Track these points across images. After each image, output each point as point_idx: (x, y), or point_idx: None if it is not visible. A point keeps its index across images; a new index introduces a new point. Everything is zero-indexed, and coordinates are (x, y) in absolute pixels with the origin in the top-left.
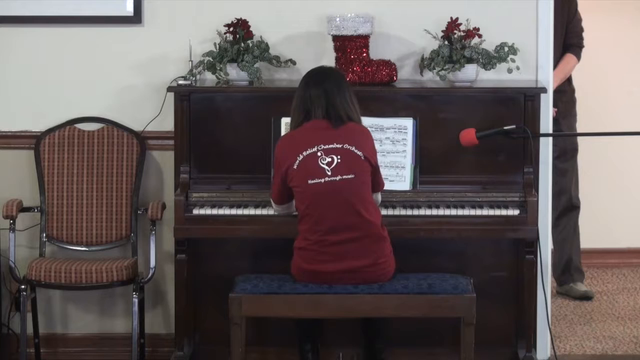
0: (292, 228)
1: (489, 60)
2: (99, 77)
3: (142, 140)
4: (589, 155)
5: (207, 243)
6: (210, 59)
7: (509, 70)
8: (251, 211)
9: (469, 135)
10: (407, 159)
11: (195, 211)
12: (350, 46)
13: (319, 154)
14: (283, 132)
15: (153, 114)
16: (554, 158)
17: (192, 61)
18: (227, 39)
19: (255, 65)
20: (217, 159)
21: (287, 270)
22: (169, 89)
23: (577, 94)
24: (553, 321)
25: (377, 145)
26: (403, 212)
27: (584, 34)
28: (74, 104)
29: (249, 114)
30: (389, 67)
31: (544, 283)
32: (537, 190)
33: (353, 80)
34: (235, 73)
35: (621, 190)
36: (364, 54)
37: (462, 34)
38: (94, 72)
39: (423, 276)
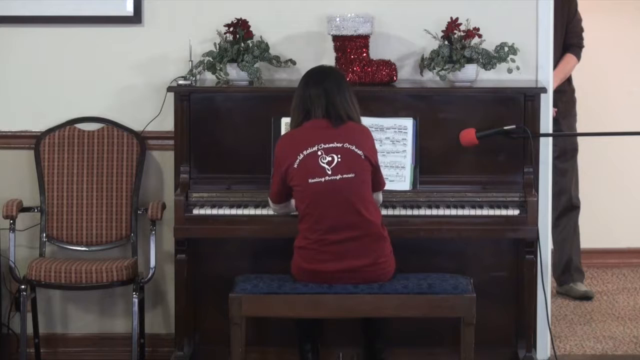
0: (292, 228)
1: (489, 60)
2: (99, 77)
3: (142, 140)
4: (589, 155)
5: (207, 243)
6: (210, 59)
7: (509, 70)
8: (251, 211)
9: (469, 135)
10: (407, 159)
11: (195, 211)
12: (350, 46)
13: (319, 153)
14: (283, 132)
15: (153, 114)
16: (554, 158)
17: (192, 61)
18: (227, 39)
19: (255, 65)
20: (217, 159)
21: (287, 270)
22: (169, 89)
23: (577, 94)
24: (553, 321)
25: (377, 145)
26: (403, 212)
27: (584, 34)
28: (74, 104)
29: (249, 114)
30: (389, 67)
31: (544, 283)
32: (537, 190)
33: (353, 80)
34: (235, 73)
35: (621, 190)
36: (364, 54)
37: (462, 34)
38: (94, 72)
39: (423, 276)
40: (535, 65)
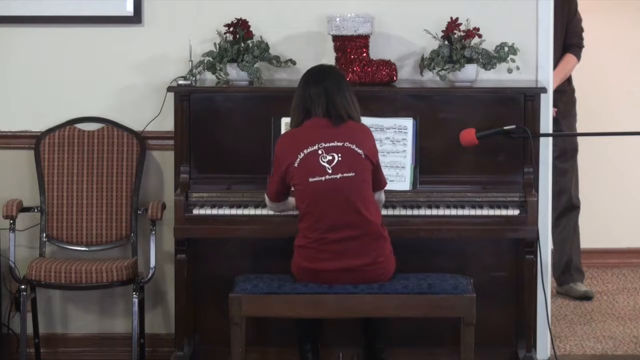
0: (292, 228)
1: (489, 60)
2: (99, 77)
3: (142, 140)
4: (589, 155)
5: (207, 243)
6: (210, 59)
7: (509, 70)
8: (251, 211)
9: (469, 135)
10: (407, 159)
11: (195, 211)
12: (350, 46)
13: (319, 152)
14: (283, 132)
15: (153, 114)
16: (554, 158)
17: (192, 61)
18: (227, 39)
19: (255, 65)
20: (217, 159)
21: (287, 270)
22: (169, 89)
23: (577, 94)
24: (553, 321)
25: (377, 145)
26: (403, 212)
27: (584, 34)
28: (74, 104)
29: (249, 114)
30: (389, 67)
31: (544, 283)
32: (537, 190)
33: (353, 80)
34: (235, 73)
35: (621, 190)
36: (364, 54)
37: (462, 34)
38: (94, 72)
39: (423, 276)
40: (535, 65)
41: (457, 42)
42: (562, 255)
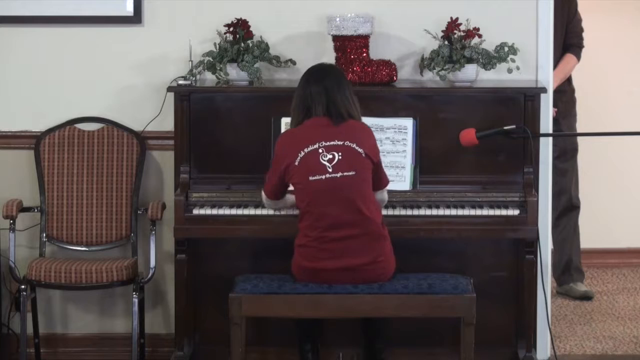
0: (292, 228)
1: (489, 60)
2: (99, 77)
3: (142, 140)
4: (589, 155)
5: (207, 243)
6: (210, 59)
7: (509, 70)
8: (251, 211)
9: (469, 135)
10: (407, 159)
11: (195, 211)
12: (350, 46)
13: (320, 150)
14: (283, 132)
15: (153, 114)
16: (554, 158)
17: (192, 61)
18: (227, 39)
19: (255, 65)
20: (217, 159)
21: (287, 270)
22: (169, 89)
23: (577, 94)
24: (553, 321)
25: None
26: (403, 212)
27: (584, 34)
28: (74, 104)
29: (249, 114)
30: (389, 67)
31: (544, 283)
32: (537, 190)
33: (353, 80)
34: (235, 73)
35: (621, 190)
36: (364, 54)
37: (462, 34)
38: (94, 72)
39: (423, 276)
40: (535, 65)
41: (457, 42)
42: (562, 255)
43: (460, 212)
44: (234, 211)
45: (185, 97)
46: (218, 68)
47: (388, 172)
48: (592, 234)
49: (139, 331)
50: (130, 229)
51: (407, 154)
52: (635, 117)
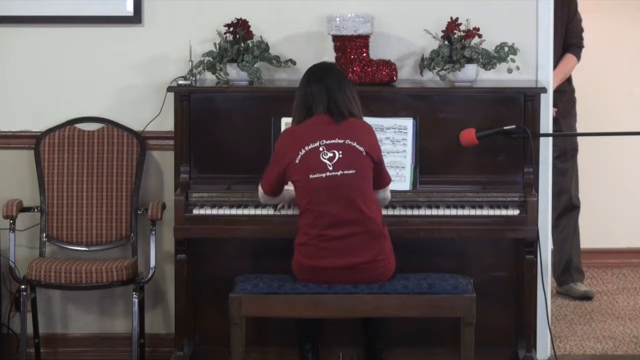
0: (292, 228)
1: (489, 60)
2: (99, 77)
3: (142, 140)
4: (589, 155)
5: (207, 243)
6: (210, 59)
7: (509, 70)
8: (251, 211)
9: (469, 135)
10: (407, 159)
11: (195, 211)
12: (350, 46)
13: (320, 148)
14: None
15: (153, 114)
16: (554, 158)
17: (192, 61)
18: (227, 39)
19: (255, 65)
20: (217, 159)
21: (287, 270)
22: (169, 89)
23: (577, 94)
24: (553, 321)
25: None
26: (403, 212)
27: (584, 34)
28: (74, 104)
29: (249, 114)
30: (389, 67)
31: (544, 283)
32: (537, 190)
33: (353, 80)
34: (235, 73)
35: (621, 190)
36: (364, 54)
37: (462, 34)
38: (94, 72)
39: (423, 276)
40: (535, 65)
41: (457, 42)
42: (562, 255)
43: (460, 212)
44: (234, 211)
45: (185, 97)
46: (218, 68)
47: (388, 172)
48: (592, 234)
49: (139, 331)
50: (130, 229)
51: (407, 154)
52: (635, 117)
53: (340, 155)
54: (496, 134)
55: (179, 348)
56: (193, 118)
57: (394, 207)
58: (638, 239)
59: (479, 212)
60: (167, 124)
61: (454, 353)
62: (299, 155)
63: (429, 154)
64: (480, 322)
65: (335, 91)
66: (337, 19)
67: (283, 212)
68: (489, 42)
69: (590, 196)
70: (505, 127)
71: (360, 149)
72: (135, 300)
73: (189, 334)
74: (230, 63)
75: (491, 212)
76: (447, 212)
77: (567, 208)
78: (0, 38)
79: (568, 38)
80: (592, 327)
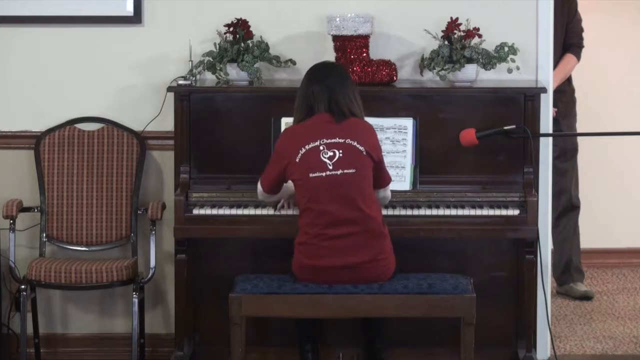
0: (292, 228)
1: (489, 60)
2: (99, 77)
3: (142, 140)
4: (589, 155)
5: (207, 243)
6: (210, 59)
7: (509, 70)
8: (251, 211)
9: (469, 135)
10: (407, 159)
11: (195, 211)
12: (350, 46)
13: (321, 147)
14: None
15: (153, 114)
16: (554, 158)
17: (192, 61)
18: (227, 39)
19: (255, 65)
20: (217, 159)
21: (287, 270)
22: (169, 89)
23: (577, 94)
24: (553, 321)
25: None
26: (403, 212)
27: (584, 34)
28: (74, 104)
29: (249, 114)
30: (389, 67)
31: (544, 283)
32: (537, 190)
33: (353, 80)
34: (235, 73)
35: (621, 190)
36: (364, 54)
37: (462, 34)
38: (94, 72)
39: (423, 276)
40: (535, 65)
41: (457, 42)
42: (562, 255)
43: (460, 212)
44: (234, 211)
45: (185, 97)
46: (218, 68)
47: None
48: (592, 234)
49: (139, 331)
50: (130, 229)
51: (407, 154)
52: (635, 117)
53: (341, 155)
54: (496, 134)
55: (179, 348)
56: (193, 118)
57: (394, 207)
58: (638, 239)
59: (479, 212)
60: (167, 124)
61: (454, 353)
62: (299, 154)
63: (429, 154)
64: (480, 322)
65: (337, 91)
66: (337, 19)
67: (283, 212)
68: (489, 42)
69: (590, 196)
70: (505, 127)
71: (361, 148)
72: (135, 300)
73: (189, 334)
74: (230, 63)
75: (491, 212)
76: (447, 212)
77: (567, 208)
78: (0, 38)
79: (568, 38)
80: (592, 327)
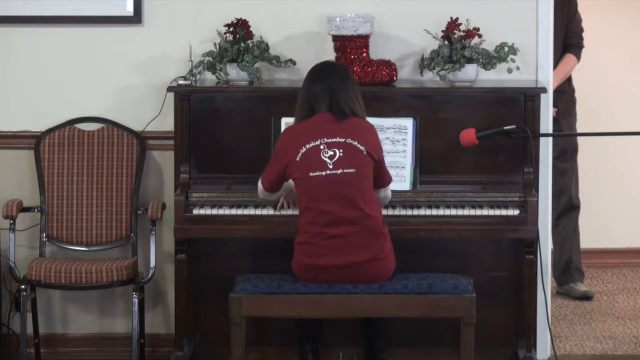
0: (292, 228)
1: (489, 60)
2: (99, 77)
3: (142, 140)
4: (589, 155)
5: (207, 243)
6: (210, 59)
7: (509, 70)
8: (251, 211)
9: (469, 135)
10: (407, 159)
11: (195, 211)
12: (350, 46)
13: (321, 147)
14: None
15: (153, 114)
16: (554, 158)
17: (192, 61)
18: (227, 39)
19: (255, 65)
20: (217, 159)
21: (287, 270)
22: (169, 89)
23: (577, 94)
24: (553, 321)
25: None
26: (403, 212)
27: (584, 34)
28: (74, 104)
29: (249, 114)
30: (389, 67)
31: (544, 283)
32: (537, 190)
33: (354, 80)
34: (235, 73)
35: (621, 190)
36: (364, 54)
37: (462, 34)
38: (94, 72)
39: (423, 276)
40: (535, 65)
41: (457, 42)
42: (562, 255)
43: (460, 212)
44: (234, 211)
45: (185, 97)
46: (218, 68)
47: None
48: (592, 234)
49: (139, 331)
50: (130, 229)
51: (407, 154)
52: (635, 117)
53: (341, 154)
54: (496, 134)
55: (179, 348)
56: (193, 118)
57: (394, 207)
58: (638, 239)
59: (479, 212)
60: (167, 124)
61: (454, 353)
62: (300, 153)
63: (429, 154)
64: (480, 322)
65: (338, 90)
66: (337, 19)
67: (283, 212)
68: (489, 42)
69: (590, 196)
70: (505, 127)
71: (361, 148)
72: (135, 300)
73: (189, 334)
74: (230, 63)
75: (491, 212)
76: (447, 212)
77: (567, 208)
78: (0, 38)
79: (568, 38)
80: (592, 327)
